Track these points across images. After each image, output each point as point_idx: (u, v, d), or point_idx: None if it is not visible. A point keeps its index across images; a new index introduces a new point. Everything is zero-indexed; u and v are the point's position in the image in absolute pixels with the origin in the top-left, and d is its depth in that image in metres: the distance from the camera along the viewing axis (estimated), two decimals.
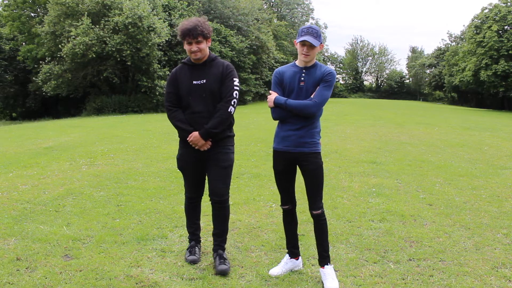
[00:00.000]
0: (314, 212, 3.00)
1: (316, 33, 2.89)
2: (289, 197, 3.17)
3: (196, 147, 3.24)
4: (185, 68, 3.34)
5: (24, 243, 3.61)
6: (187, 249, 3.46)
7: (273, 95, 3.01)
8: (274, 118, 3.05)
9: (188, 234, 3.57)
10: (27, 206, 4.68)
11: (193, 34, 3.16)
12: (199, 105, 3.24)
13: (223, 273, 3.12)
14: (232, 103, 3.22)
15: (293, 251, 3.24)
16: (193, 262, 3.29)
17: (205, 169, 3.36)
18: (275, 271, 3.16)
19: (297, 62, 3.03)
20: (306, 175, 3.01)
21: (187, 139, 3.24)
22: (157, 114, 21.80)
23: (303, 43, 2.89)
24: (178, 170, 3.53)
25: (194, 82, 3.25)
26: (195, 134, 3.21)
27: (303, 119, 2.93)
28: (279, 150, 3.05)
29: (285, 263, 3.21)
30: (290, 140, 2.97)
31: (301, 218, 3.93)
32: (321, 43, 2.91)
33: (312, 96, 2.93)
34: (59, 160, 7.51)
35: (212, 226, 3.43)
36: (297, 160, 3.00)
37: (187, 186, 3.49)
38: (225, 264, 3.18)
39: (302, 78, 2.94)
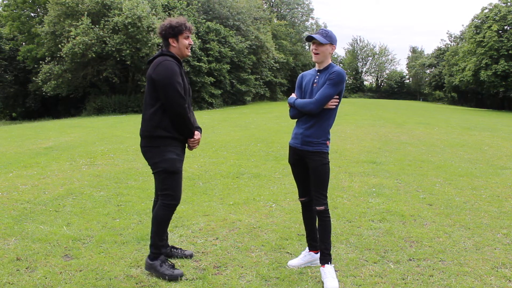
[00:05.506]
0: (317, 208, 3.05)
1: (325, 34, 2.99)
2: (304, 189, 3.25)
3: (193, 148, 3.24)
4: (178, 65, 3.02)
5: (24, 243, 3.61)
6: (165, 264, 3.03)
7: (291, 96, 3.21)
8: (290, 117, 3.20)
9: (157, 249, 3.08)
10: (27, 206, 4.68)
11: (191, 27, 3.06)
12: (190, 107, 3.15)
13: (192, 255, 3.39)
14: None
15: (312, 244, 3.30)
16: (182, 276, 3.01)
17: None
18: (294, 262, 3.27)
19: (315, 66, 3.17)
20: (310, 172, 3.09)
21: (195, 137, 3.16)
22: None
23: (313, 41, 3.00)
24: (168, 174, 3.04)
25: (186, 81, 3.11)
26: (198, 133, 3.22)
27: (311, 119, 3.03)
28: (290, 145, 3.21)
29: (304, 256, 3.29)
30: (298, 138, 3.12)
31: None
32: (330, 43, 2.97)
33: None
34: (59, 160, 7.51)
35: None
36: (304, 157, 3.11)
37: (179, 190, 3.10)
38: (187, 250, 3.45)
39: (315, 80, 3.06)
